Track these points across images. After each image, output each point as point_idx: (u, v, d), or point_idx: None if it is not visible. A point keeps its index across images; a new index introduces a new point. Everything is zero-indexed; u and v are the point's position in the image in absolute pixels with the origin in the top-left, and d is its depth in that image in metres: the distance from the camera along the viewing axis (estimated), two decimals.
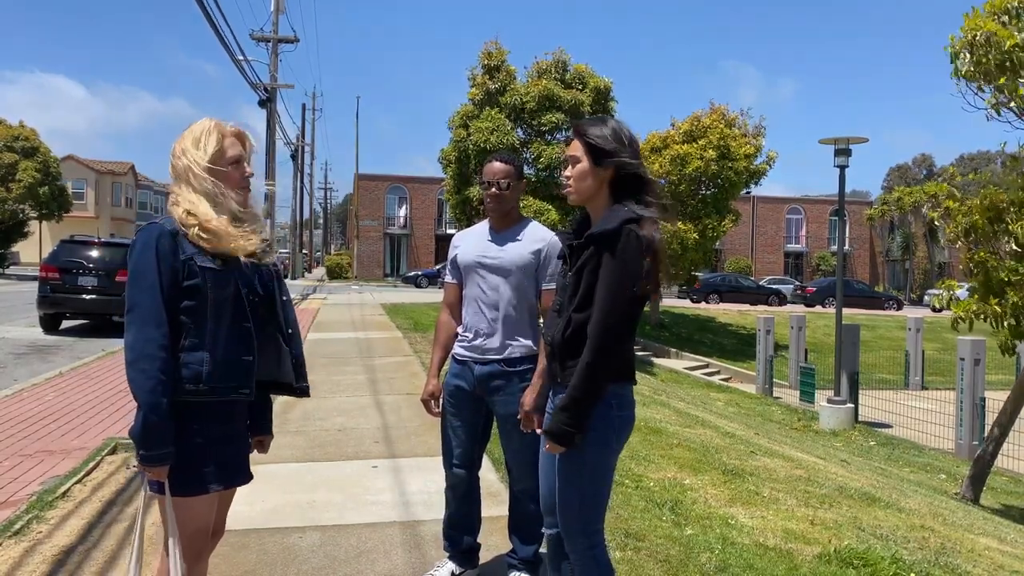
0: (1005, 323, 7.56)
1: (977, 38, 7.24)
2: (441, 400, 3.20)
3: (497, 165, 3.07)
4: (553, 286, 2.96)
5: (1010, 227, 7.22)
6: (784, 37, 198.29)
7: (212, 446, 2.17)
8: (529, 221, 3.16)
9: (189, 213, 2.16)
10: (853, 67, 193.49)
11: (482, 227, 3.19)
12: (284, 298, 2.39)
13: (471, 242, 3.17)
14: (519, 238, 3.07)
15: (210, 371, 2.15)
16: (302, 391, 2.43)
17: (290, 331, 2.37)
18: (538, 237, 3.07)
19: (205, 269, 2.14)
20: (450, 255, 3.23)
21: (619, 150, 2.30)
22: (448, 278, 3.24)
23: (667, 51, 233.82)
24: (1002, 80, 7.20)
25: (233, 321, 2.18)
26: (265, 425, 2.46)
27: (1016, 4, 7.22)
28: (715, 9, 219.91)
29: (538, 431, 2.61)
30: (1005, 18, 7.22)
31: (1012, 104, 7.38)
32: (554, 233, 3.04)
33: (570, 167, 2.38)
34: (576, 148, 2.36)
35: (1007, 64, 7.09)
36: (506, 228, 3.11)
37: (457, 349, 3.16)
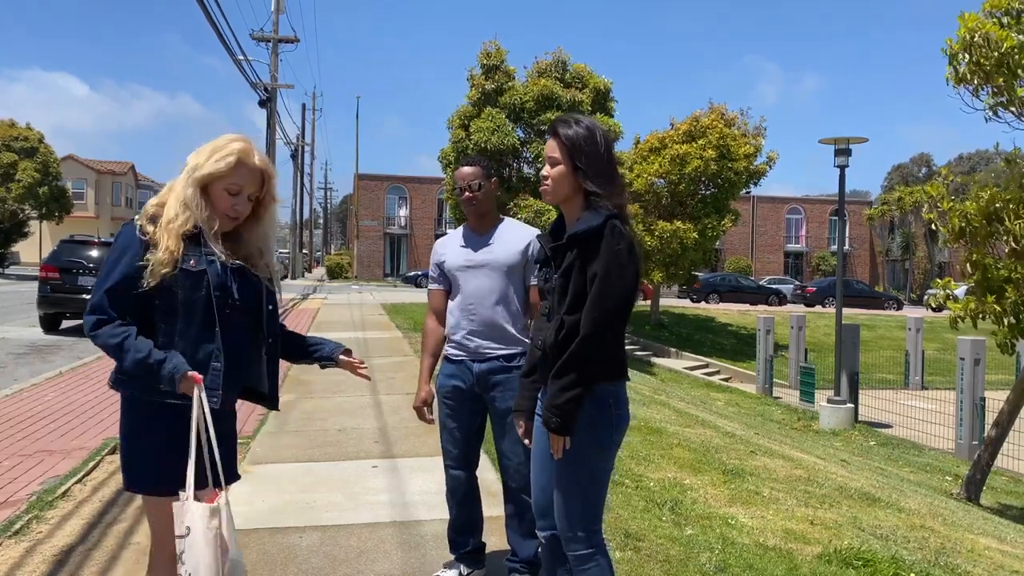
0: (1005, 321, 7.56)
1: (975, 39, 7.24)
2: (435, 404, 3.22)
3: (466, 169, 3.12)
4: None
5: (1008, 225, 7.22)
6: (807, 34, 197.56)
7: (184, 446, 2.13)
8: (507, 220, 3.21)
9: (157, 205, 2.17)
10: (873, 65, 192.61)
11: (462, 231, 3.22)
12: (270, 307, 2.36)
13: (455, 247, 3.19)
14: (502, 238, 3.12)
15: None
16: (273, 403, 2.42)
17: (271, 340, 2.34)
18: (522, 234, 3.12)
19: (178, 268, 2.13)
20: (434, 261, 3.25)
21: (592, 172, 2.30)
22: (433, 285, 3.26)
23: (677, 48, 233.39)
24: (1000, 80, 7.20)
25: (204, 325, 2.15)
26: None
27: (1017, 5, 7.22)
28: (727, 5, 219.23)
29: (520, 434, 2.58)
30: (1006, 19, 7.21)
31: (1012, 105, 7.38)
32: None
33: (548, 167, 2.37)
34: (555, 149, 2.35)
35: (1006, 64, 7.09)
36: (486, 229, 3.16)
37: (449, 350, 3.17)
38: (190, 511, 2.05)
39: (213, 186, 2.19)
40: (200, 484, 2.11)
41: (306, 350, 2.52)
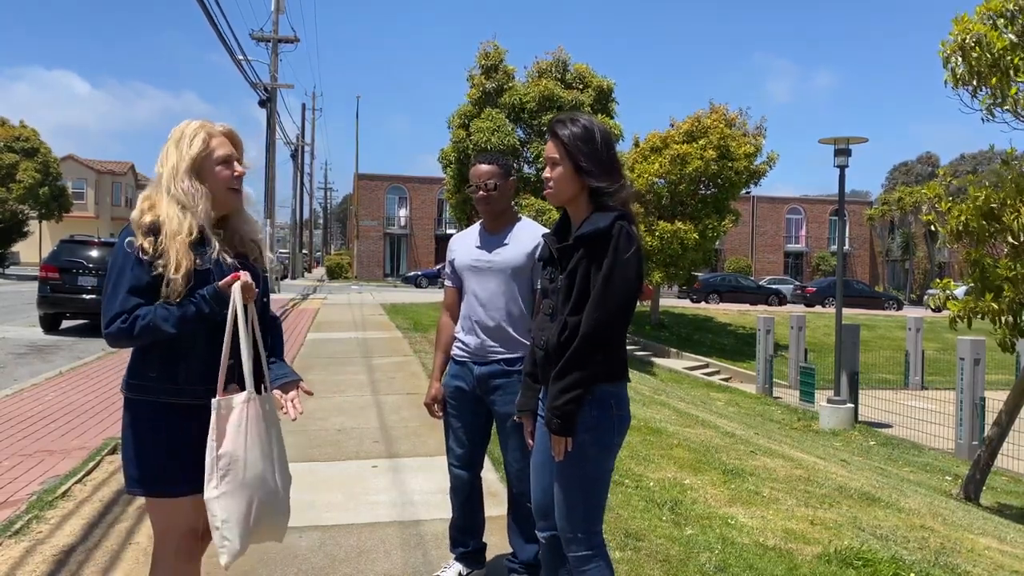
0: (1003, 319, 7.56)
1: (967, 41, 7.27)
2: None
3: (483, 167, 3.05)
4: None
5: (1007, 221, 7.22)
6: (817, 33, 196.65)
7: (187, 447, 2.13)
8: (522, 220, 3.15)
9: (151, 214, 2.13)
10: (882, 63, 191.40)
11: (476, 229, 3.19)
12: (265, 299, 2.36)
13: (466, 244, 3.17)
14: (514, 238, 3.06)
15: (186, 371, 2.14)
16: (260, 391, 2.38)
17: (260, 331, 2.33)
18: (532, 236, 3.04)
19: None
20: (448, 258, 3.24)
21: (595, 170, 2.30)
22: (447, 282, 3.25)
23: (681, 47, 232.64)
24: (994, 81, 7.22)
25: (213, 323, 2.14)
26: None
27: (1012, 7, 7.24)
28: (734, 3, 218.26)
29: (528, 437, 2.59)
30: (1000, 21, 7.23)
31: (1006, 106, 7.40)
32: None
33: (549, 168, 2.37)
34: (554, 149, 2.35)
35: (999, 65, 7.11)
36: (499, 229, 3.10)
37: (455, 349, 3.17)
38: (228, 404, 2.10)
39: (205, 169, 2.18)
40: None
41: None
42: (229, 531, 2.05)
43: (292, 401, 2.25)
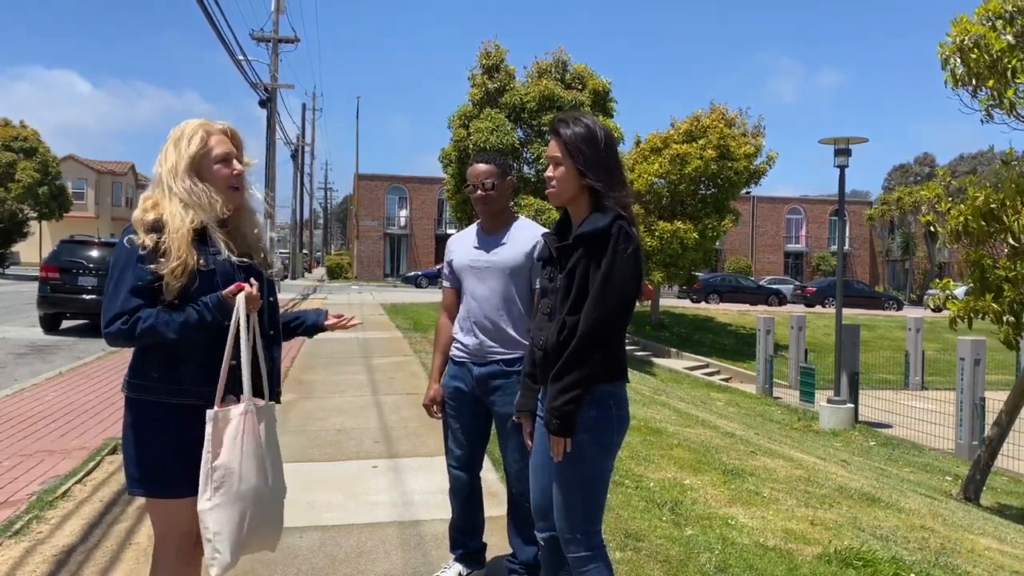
0: (1004, 319, 7.56)
1: (966, 42, 7.27)
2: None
3: (480, 167, 3.04)
4: None
5: (1007, 222, 7.22)
6: (821, 32, 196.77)
7: (189, 449, 2.12)
8: (520, 220, 3.14)
9: (153, 214, 2.12)
10: (885, 63, 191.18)
11: (474, 229, 3.18)
12: (271, 299, 2.36)
13: (464, 245, 3.16)
14: (511, 238, 3.06)
15: (188, 374, 2.13)
16: (273, 396, 2.36)
17: (271, 332, 2.32)
18: (530, 236, 3.03)
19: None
20: (445, 259, 3.23)
21: (596, 170, 2.29)
22: (445, 283, 3.25)
23: (684, 46, 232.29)
24: (991, 82, 7.22)
25: (214, 330, 2.13)
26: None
27: (1010, 8, 7.23)
28: (737, 2, 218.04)
29: (527, 437, 2.59)
30: (999, 22, 7.23)
31: (1004, 107, 7.39)
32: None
33: (552, 168, 2.37)
34: (556, 149, 2.35)
35: (997, 67, 7.11)
36: (497, 229, 3.09)
37: (453, 350, 3.16)
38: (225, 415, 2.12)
39: (204, 168, 2.18)
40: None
41: (288, 327, 2.55)
42: (221, 544, 2.04)
43: (347, 321, 2.64)
